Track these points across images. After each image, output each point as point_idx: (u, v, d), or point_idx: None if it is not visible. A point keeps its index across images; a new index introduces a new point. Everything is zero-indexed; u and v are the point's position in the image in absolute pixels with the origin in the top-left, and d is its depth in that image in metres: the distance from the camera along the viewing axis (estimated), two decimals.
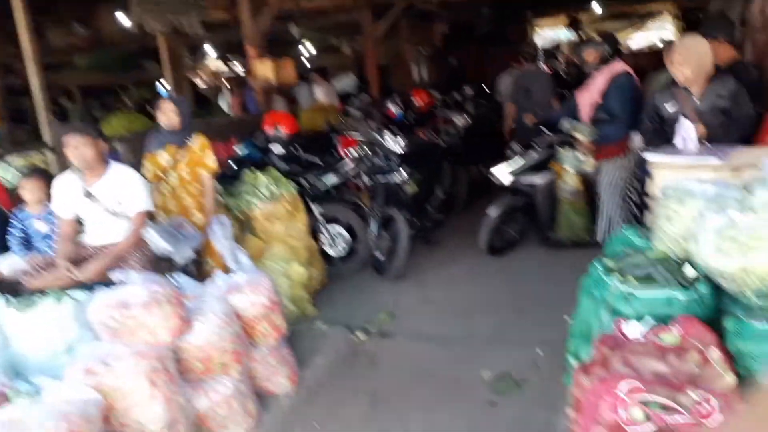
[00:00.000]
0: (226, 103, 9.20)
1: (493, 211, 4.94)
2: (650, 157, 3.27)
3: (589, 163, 4.83)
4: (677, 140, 3.60)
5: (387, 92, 8.96)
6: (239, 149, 5.31)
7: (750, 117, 3.48)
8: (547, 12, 14.80)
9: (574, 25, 13.65)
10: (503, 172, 5.04)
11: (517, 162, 5.03)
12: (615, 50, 4.95)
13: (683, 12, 12.05)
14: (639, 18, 15.43)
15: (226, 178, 4.54)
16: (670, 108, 3.69)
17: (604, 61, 4.86)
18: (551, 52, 13.93)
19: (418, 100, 7.43)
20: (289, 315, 3.65)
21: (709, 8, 9.81)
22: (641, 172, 4.82)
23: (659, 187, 2.79)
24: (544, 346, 3.43)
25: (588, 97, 4.91)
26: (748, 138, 3.51)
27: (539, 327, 3.69)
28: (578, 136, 4.79)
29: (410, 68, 11.16)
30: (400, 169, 5.01)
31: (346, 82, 10.08)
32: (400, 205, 4.97)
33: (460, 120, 6.90)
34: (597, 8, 13.49)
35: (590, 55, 4.90)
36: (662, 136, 3.68)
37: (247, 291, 3.12)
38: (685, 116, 3.59)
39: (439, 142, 6.51)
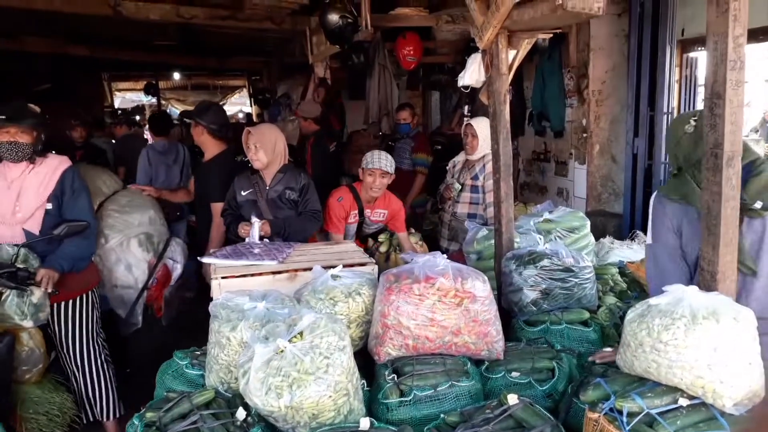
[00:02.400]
0: None
1: None
2: (205, 259, 2.99)
3: (45, 307, 2.95)
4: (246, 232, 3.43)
5: None
6: None
7: (317, 211, 3.59)
8: (127, 75, 14.11)
9: (152, 90, 13.26)
10: None
11: None
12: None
13: (256, 91, 12.97)
14: (221, 90, 16.11)
15: None
16: (244, 192, 3.54)
17: (46, 145, 3.08)
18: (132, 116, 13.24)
19: None
20: None
21: (278, 90, 10.76)
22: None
23: (215, 303, 2.46)
24: None
25: (33, 199, 3.01)
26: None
27: None
28: (26, 265, 2.89)
29: None
30: None
31: None
32: None
33: None
34: (176, 76, 13.44)
35: (26, 134, 2.94)
36: (239, 222, 3.50)
37: None
38: (257, 203, 3.50)
39: None
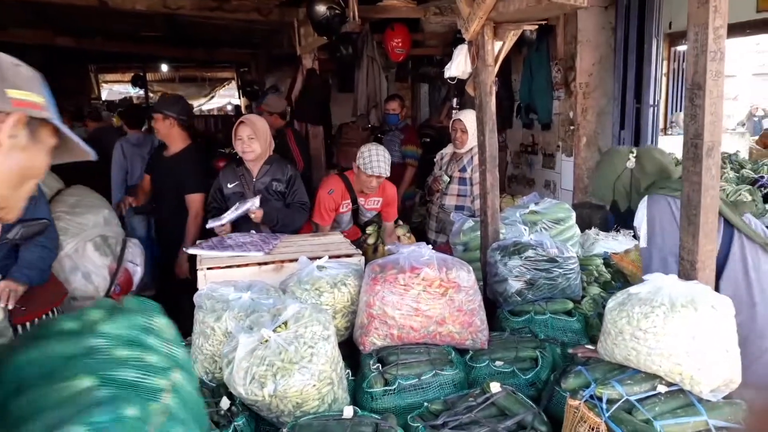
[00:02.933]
0: None
1: None
2: (191, 250, 2.98)
3: (7, 330, 2.61)
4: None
5: None
6: None
7: (305, 203, 3.60)
8: (114, 67, 13.97)
9: (140, 82, 13.15)
10: None
11: None
12: None
13: (244, 83, 12.90)
14: (209, 83, 16.00)
15: None
16: (230, 185, 3.52)
17: None
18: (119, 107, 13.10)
19: None
20: None
21: (266, 82, 10.72)
22: None
23: (200, 293, 2.45)
24: None
25: None
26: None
27: None
28: None
29: None
30: None
31: None
32: None
33: None
34: (164, 68, 13.34)
35: None
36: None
37: None
38: (244, 195, 3.49)
39: None
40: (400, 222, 4.49)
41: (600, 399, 1.70)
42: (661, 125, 5.29)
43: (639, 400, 1.66)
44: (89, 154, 1.15)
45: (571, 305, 2.77)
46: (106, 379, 1.01)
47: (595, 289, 3.04)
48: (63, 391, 0.98)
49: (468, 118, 4.13)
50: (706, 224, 1.79)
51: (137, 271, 3.55)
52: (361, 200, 3.92)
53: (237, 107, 14.78)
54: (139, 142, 5.38)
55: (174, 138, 3.91)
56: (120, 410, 0.93)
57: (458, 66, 3.05)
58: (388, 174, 3.78)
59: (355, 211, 3.98)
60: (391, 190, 4.02)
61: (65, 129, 1.10)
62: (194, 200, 3.73)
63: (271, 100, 5.59)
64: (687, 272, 1.86)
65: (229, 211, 3.29)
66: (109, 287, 3.32)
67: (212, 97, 16.47)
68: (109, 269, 3.34)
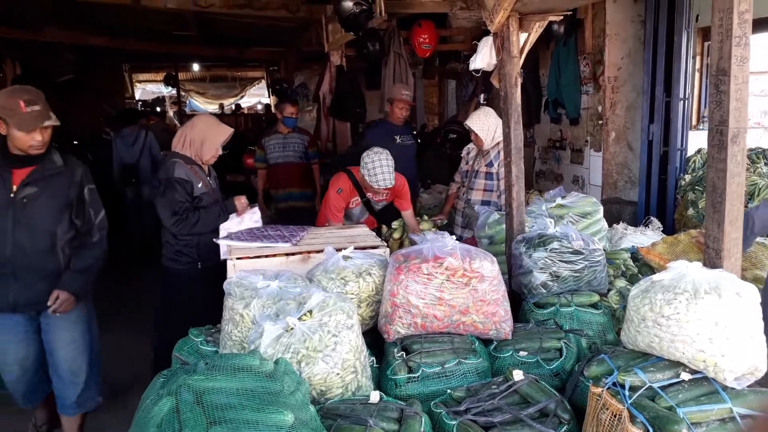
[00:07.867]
0: None
1: None
2: (221, 241, 3.05)
3: None
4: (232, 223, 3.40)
5: None
6: None
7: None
8: (148, 66, 14.26)
9: (172, 81, 13.40)
10: None
11: None
12: None
13: (273, 81, 13.03)
14: (239, 82, 16.22)
15: None
16: (199, 185, 3.36)
17: None
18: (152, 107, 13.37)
19: None
20: None
21: (295, 80, 10.82)
22: None
23: (230, 281, 2.51)
24: None
25: None
26: None
27: None
28: None
29: None
30: None
31: None
32: None
33: None
34: (196, 67, 13.57)
35: None
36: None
37: None
38: (209, 195, 3.45)
39: None
40: (425, 217, 4.50)
41: (623, 386, 1.70)
42: (694, 122, 5.20)
43: (662, 388, 1.66)
44: None
45: (597, 298, 2.76)
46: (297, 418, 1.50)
47: (621, 283, 3.02)
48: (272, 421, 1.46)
49: (473, 120, 4.12)
50: (732, 212, 1.77)
51: None
52: (369, 194, 3.99)
53: (267, 106, 14.94)
54: (125, 134, 6.71)
55: None
56: None
57: (483, 58, 3.06)
58: (394, 183, 3.81)
59: (367, 203, 4.05)
60: (400, 179, 3.99)
61: None
62: None
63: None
64: (712, 260, 1.84)
65: (235, 224, 3.31)
66: None
67: (242, 96, 16.68)
68: None
